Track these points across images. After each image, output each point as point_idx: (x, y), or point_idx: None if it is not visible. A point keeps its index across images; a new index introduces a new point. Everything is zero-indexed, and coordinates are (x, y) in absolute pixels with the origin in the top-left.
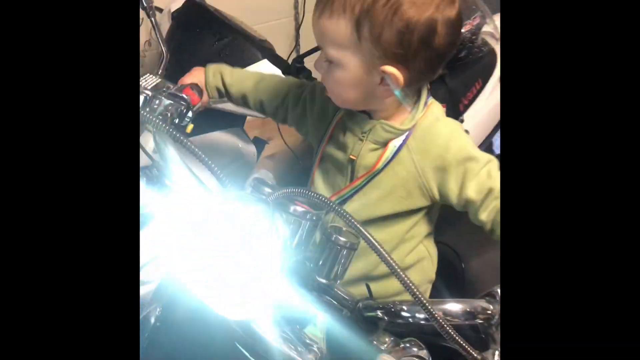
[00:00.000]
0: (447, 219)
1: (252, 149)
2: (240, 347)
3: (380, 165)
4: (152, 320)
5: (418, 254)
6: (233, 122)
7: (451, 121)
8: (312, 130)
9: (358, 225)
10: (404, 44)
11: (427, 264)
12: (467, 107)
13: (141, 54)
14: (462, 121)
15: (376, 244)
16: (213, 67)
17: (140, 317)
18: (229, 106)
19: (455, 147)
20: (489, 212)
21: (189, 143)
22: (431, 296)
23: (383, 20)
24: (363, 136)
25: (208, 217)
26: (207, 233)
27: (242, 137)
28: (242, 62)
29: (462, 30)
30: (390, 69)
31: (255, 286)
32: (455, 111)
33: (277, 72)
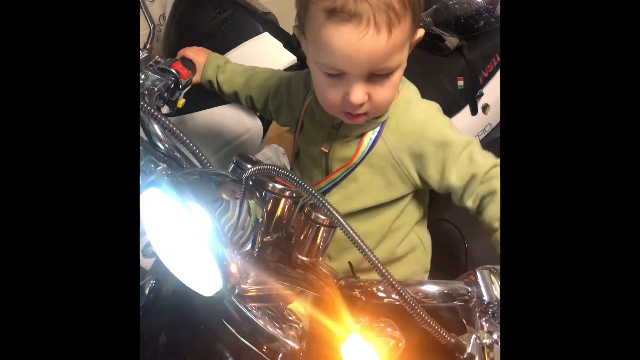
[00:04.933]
0: (449, 195)
1: (257, 123)
2: (226, 324)
3: (357, 159)
4: (147, 291)
5: (410, 243)
6: None
7: (425, 103)
8: (288, 120)
9: (335, 213)
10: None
11: (421, 253)
12: (486, 80)
13: (157, 27)
14: (481, 95)
15: (349, 228)
16: (214, 60)
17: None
18: None
19: (432, 131)
20: (474, 199)
21: (166, 121)
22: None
23: None
24: (334, 129)
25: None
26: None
27: (248, 111)
28: (243, 35)
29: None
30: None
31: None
32: (475, 84)
33: (278, 45)
